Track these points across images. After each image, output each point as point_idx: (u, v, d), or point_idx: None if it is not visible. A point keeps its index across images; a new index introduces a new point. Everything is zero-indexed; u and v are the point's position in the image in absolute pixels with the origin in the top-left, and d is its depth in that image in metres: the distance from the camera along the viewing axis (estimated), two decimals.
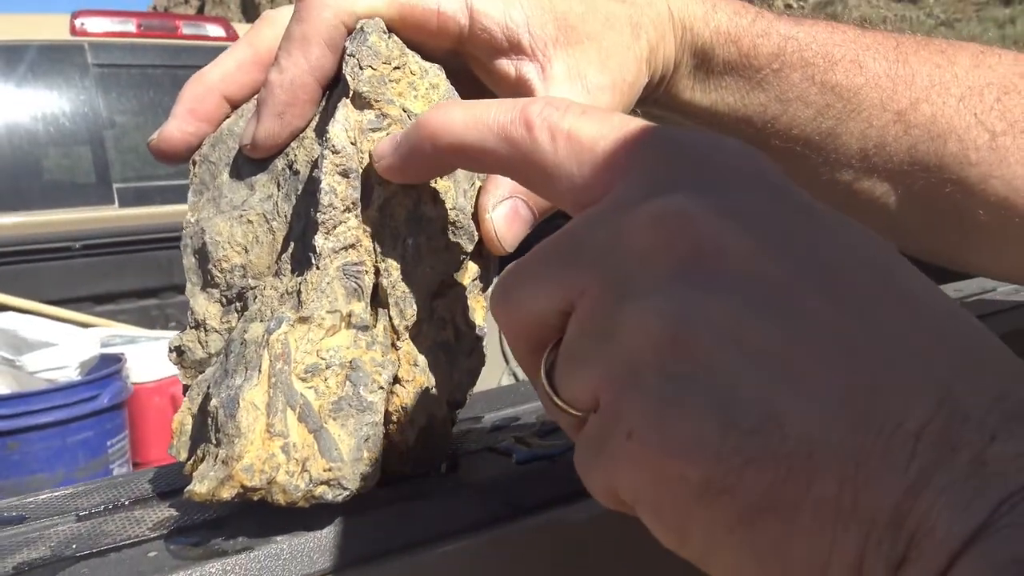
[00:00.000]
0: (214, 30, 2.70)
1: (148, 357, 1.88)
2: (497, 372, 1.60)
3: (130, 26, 2.56)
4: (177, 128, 0.33)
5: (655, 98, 0.40)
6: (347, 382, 0.27)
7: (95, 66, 2.49)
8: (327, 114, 0.31)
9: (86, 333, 1.98)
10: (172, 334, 1.60)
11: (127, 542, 0.26)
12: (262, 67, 0.32)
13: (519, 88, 0.33)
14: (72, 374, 1.66)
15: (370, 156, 0.29)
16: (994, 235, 0.42)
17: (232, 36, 2.65)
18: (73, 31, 2.44)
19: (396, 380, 0.29)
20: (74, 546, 0.26)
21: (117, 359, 1.73)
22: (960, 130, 0.40)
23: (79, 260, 2.37)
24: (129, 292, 2.49)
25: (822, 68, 0.40)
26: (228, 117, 0.34)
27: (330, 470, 0.25)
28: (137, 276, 2.48)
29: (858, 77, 0.40)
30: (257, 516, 0.27)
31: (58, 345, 1.72)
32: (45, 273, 2.31)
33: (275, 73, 0.31)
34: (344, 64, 0.30)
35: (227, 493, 0.25)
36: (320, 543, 0.26)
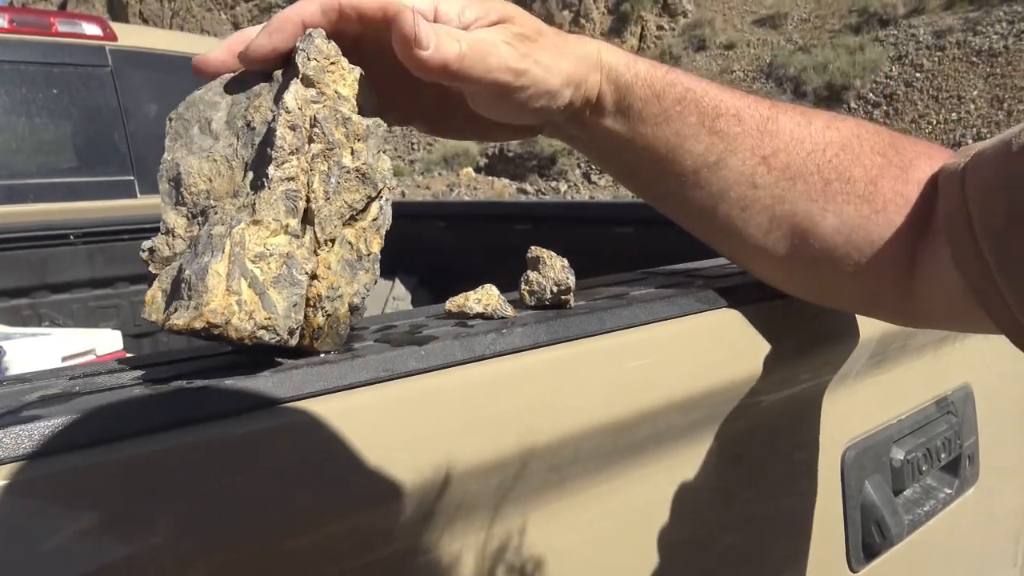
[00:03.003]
0: (91, 29, 2.68)
1: (26, 351, 1.87)
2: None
3: (1, 21, 2.52)
4: (267, 41, 0.45)
5: (583, 120, 0.54)
6: (284, 266, 0.39)
7: None
8: (282, 89, 0.43)
9: None
10: (50, 331, 1.62)
11: (116, 386, 0.37)
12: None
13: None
14: None
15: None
16: (825, 265, 0.55)
17: (110, 35, 2.65)
18: None
19: (315, 276, 0.41)
20: (77, 388, 0.37)
21: None
22: (805, 175, 0.53)
23: None
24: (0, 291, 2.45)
25: (711, 116, 0.54)
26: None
27: (269, 319, 0.37)
28: (8, 275, 2.44)
29: (736, 127, 0.54)
30: (213, 375, 0.39)
31: None
32: None
33: (279, 12, 0.44)
34: (296, 55, 0.43)
35: (198, 324, 0.36)
36: (254, 383, 0.38)
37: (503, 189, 14.62)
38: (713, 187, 0.55)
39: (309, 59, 0.43)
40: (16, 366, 1.84)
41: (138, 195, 2.54)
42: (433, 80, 0.46)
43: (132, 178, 2.58)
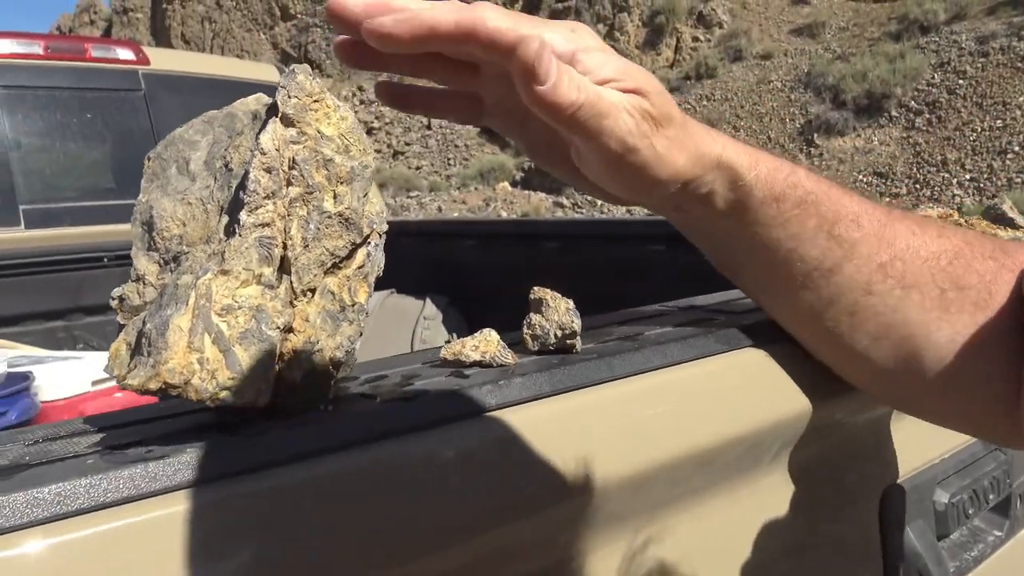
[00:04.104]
0: (124, 53, 2.71)
1: (57, 376, 1.88)
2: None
3: (36, 48, 2.56)
4: (392, 26, 0.41)
5: (689, 211, 0.52)
6: (253, 320, 0.36)
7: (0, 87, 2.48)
8: (262, 128, 0.40)
9: None
10: (81, 354, 1.62)
11: (70, 456, 0.34)
12: None
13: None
14: None
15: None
16: (936, 379, 0.52)
17: (143, 59, 2.67)
18: None
19: (291, 329, 0.38)
20: (27, 458, 0.34)
21: (25, 377, 1.74)
22: (921, 284, 0.51)
23: None
24: (35, 314, 2.47)
25: (830, 221, 0.51)
26: None
27: (233, 379, 0.34)
28: (44, 298, 2.47)
29: (855, 232, 0.52)
30: (174, 440, 0.35)
31: None
32: None
33: (418, 4, 0.42)
34: (277, 93, 0.40)
35: (153, 385, 0.33)
36: (225, 451, 0.34)
37: (539, 203, 14.60)
38: (823, 291, 0.52)
39: (290, 97, 0.40)
40: (46, 391, 1.85)
41: None
42: (542, 117, 0.43)
43: None
